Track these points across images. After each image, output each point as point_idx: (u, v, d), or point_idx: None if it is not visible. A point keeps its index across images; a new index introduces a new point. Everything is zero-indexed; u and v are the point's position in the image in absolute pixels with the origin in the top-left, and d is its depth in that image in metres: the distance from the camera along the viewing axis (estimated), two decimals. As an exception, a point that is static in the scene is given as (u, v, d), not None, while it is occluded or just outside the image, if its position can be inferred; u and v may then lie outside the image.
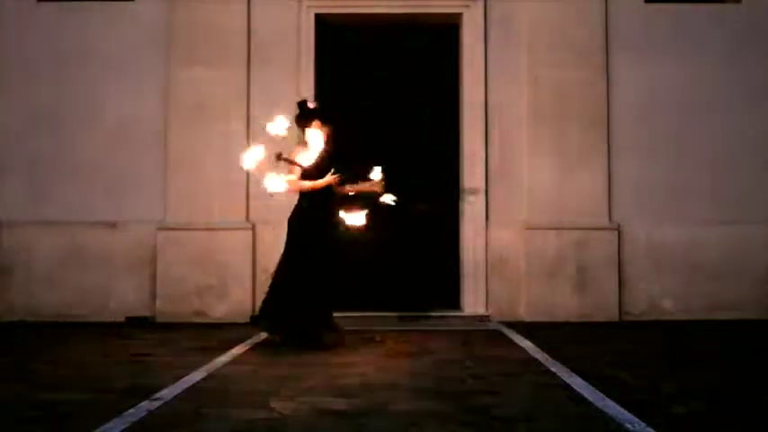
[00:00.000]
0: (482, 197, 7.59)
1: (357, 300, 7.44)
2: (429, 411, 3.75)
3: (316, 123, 6.06)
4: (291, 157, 5.91)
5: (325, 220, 5.91)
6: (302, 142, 6.16)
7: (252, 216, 7.60)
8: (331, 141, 6.12)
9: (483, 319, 7.44)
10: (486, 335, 6.71)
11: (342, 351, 5.71)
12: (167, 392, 4.18)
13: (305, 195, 5.95)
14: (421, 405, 3.90)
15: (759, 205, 7.70)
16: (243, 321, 7.37)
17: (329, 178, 5.90)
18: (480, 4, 7.72)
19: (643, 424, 3.47)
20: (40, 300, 7.54)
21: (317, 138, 6.06)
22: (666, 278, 7.59)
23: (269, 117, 7.61)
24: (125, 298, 7.57)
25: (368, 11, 7.74)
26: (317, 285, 5.82)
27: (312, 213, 5.88)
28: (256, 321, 6.27)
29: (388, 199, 5.99)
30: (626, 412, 3.69)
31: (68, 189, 7.68)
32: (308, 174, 5.93)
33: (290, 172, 5.92)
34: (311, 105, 6.17)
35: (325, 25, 7.86)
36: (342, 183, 5.95)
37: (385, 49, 8.04)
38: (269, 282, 6.06)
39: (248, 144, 7.60)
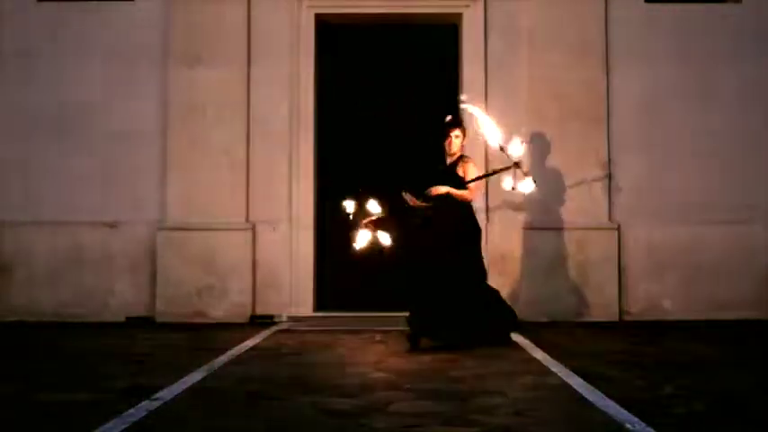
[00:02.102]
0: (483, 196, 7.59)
1: (357, 300, 7.44)
2: (429, 411, 3.75)
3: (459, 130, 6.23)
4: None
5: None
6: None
7: (252, 216, 7.60)
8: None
9: (483, 318, 7.42)
10: (486, 335, 6.70)
11: (342, 351, 5.71)
12: (167, 392, 4.18)
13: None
14: (421, 405, 3.90)
15: (759, 205, 7.70)
16: (242, 321, 7.38)
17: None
18: (480, 4, 7.71)
19: (643, 424, 3.47)
20: (40, 300, 7.54)
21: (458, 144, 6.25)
22: (666, 278, 7.59)
23: (269, 117, 7.69)
24: (125, 298, 7.57)
25: (368, 11, 7.73)
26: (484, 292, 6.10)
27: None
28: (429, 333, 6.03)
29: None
30: (626, 412, 3.68)
31: (68, 189, 7.68)
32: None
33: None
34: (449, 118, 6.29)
35: (326, 25, 7.86)
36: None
37: (385, 49, 8.04)
38: None
39: (247, 144, 7.64)
